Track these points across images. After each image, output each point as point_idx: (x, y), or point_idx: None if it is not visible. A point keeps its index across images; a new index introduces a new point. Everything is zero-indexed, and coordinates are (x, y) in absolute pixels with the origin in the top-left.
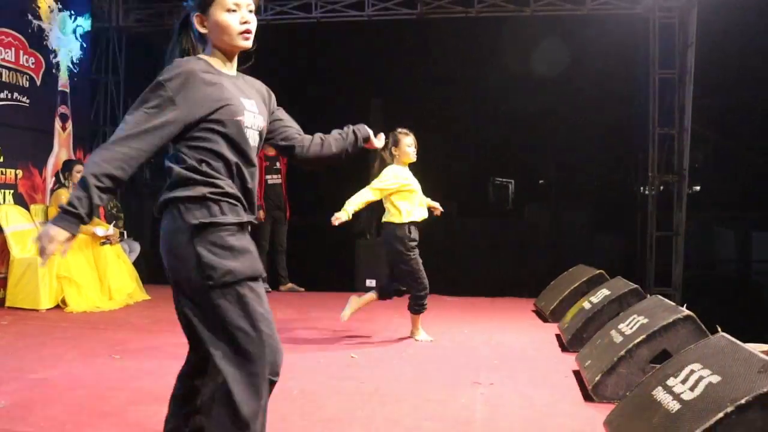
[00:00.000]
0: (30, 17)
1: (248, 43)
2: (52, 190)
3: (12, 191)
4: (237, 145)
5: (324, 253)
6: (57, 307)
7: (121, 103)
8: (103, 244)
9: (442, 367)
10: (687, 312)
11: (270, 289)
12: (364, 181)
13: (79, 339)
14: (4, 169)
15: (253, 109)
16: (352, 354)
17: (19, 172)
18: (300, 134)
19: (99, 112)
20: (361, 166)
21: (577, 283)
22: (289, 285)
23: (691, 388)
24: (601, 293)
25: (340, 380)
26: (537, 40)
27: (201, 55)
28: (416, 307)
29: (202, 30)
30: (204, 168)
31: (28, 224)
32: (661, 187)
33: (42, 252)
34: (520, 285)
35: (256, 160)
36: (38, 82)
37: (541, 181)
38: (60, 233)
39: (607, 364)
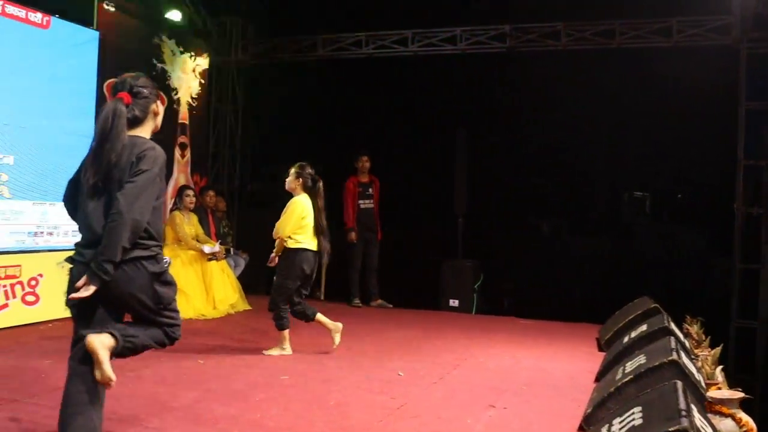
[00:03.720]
0: (155, 61)
1: None
2: (170, 211)
3: None
4: None
5: (413, 273)
6: None
7: (238, 130)
8: (210, 260)
9: (472, 389)
10: (673, 357)
11: (361, 305)
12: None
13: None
14: None
15: None
16: (400, 372)
17: None
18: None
19: (219, 138)
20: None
21: (633, 315)
22: (379, 301)
23: (620, 429)
24: (641, 328)
25: (375, 395)
26: (624, 71)
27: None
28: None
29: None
30: None
31: None
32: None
33: None
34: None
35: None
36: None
37: (679, 196)
38: None
39: (599, 398)
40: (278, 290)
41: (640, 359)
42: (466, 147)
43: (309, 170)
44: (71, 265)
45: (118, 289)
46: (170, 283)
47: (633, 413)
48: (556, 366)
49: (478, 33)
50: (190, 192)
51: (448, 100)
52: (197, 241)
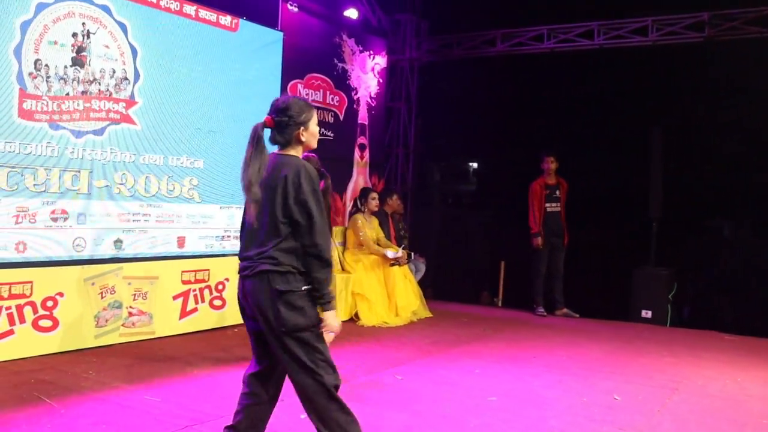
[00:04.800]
0: (335, 61)
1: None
2: (350, 214)
3: None
4: None
5: (601, 280)
6: (350, 319)
7: (412, 128)
8: (392, 265)
9: (704, 420)
10: None
11: (546, 314)
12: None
13: (366, 355)
14: None
15: None
16: (616, 395)
17: None
18: None
19: (392, 136)
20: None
21: None
22: (564, 310)
23: None
24: None
25: (598, 423)
26: None
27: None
28: None
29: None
30: None
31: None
32: None
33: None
34: None
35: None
36: (341, 118)
37: None
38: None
39: None
40: None
41: None
42: (662, 146)
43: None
44: None
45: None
46: (300, 308)
47: None
48: None
49: (671, 22)
50: (375, 195)
51: (640, 96)
52: (378, 245)
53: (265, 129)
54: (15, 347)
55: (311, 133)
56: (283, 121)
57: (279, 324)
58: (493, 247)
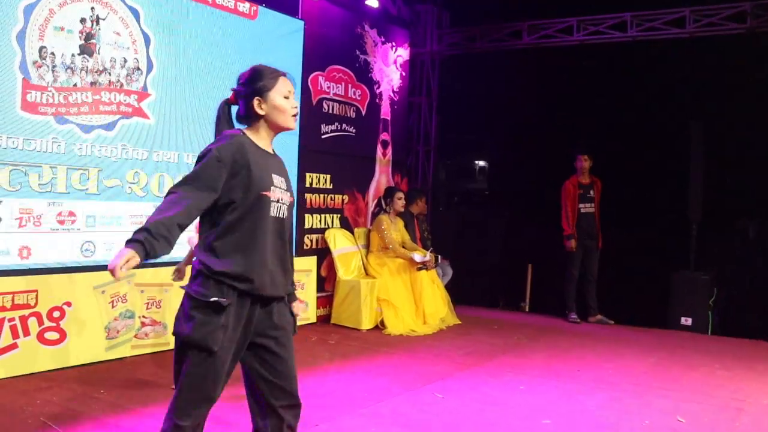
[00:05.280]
0: (357, 52)
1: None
2: (374, 214)
3: (339, 215)
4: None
5: (636, 285)
6: (376, 327)
7: (432, 124)
8: (420, 269)
9: None
10: None
11: (579, 320)
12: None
13: (400, 368)
14: (333, 195)
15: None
16: (680, 417)
17: (345, 197)
18: None
19: (412, 133)
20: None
21: None
22: (598, 317)
23: None
24: None
25: None
26: None
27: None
28: None
29: (260, 112)
30: None
31: (352, 247)
32: None
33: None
34: None
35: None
36: (363, 113)
37: None
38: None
39: None
40: None
41: None
42: (703, 142)
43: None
44: None
45: None
46: (192, 319)
47: None
48: None
49: (710, 13)
50: (402, 194)
51: (678, 90)
52: (403, 247)
53: (232, 107)
54: (19, 362)
55: (272, 105)
56: (239, 91)
57: None
58: (515, 249)
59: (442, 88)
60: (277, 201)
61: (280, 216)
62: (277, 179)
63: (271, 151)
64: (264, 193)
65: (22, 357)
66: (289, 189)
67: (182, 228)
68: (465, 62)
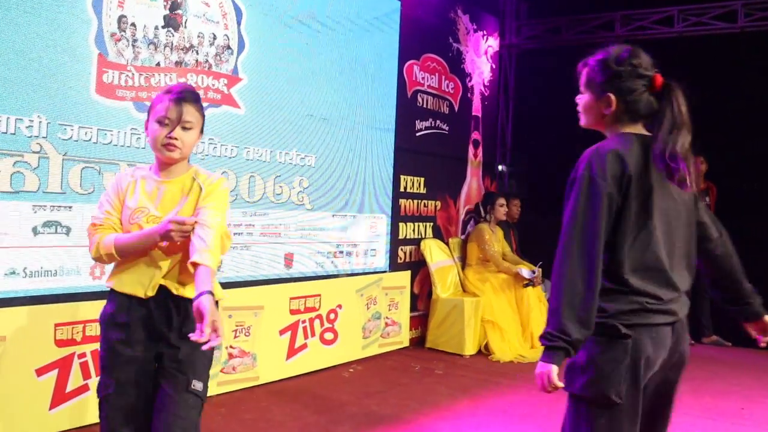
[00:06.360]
0: (450, 40)
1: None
2: (464, 222)
3: (431, 224)
4: None
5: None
6: (479, 353)
7: (509, 123)
8: (526, 285)
9: None
10: None
11: (692, 342)
12: None
13: (540, 408)
14: (426, 201)
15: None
16: None
17: (438, 203)
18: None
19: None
20: None
21: None
22: (714, 338)
23: None
24: None
25: None
26: None
27: None
28: None
29: None
30: None
31: (448, 260)
32: None
33: None
34: None
35: None
36: (456, 108)
37: None
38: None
39: None
40: None
41: None
42: None
43: None
44: None
45: None
46: None
47: None
48: None
49: None
50: (504, 201)
51: None
52: (504, 260)
53: None
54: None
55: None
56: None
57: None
58: None
59: (521, 85)
60: None
61: None
62: None
63: None
64: None
65: None
66: None
67: None
68: (544, 56)
